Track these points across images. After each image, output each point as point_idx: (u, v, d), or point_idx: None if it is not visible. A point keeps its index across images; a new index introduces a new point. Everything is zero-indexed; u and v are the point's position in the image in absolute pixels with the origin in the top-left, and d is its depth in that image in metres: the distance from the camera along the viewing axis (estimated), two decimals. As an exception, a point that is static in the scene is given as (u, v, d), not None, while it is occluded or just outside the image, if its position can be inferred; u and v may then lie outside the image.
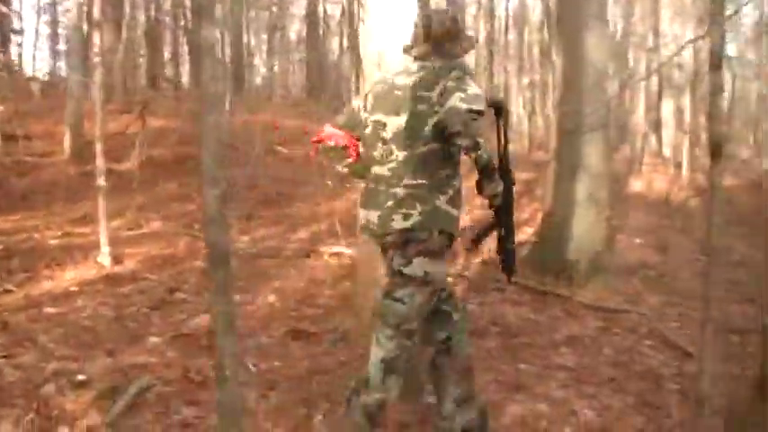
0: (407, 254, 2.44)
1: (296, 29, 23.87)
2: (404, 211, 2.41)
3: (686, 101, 14.85)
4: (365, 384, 2.53)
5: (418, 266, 2.44)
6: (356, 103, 2.76)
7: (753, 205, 9.39)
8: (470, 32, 3.15)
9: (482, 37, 17.28)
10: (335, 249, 6.20)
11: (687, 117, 14.11)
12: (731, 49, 19.67)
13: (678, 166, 13.96)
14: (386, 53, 3.21)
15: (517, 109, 14.57)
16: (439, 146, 2.41)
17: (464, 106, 2.29)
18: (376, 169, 2.55)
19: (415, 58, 2.59)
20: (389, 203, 2.45)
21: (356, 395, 2.55)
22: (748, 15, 18.23)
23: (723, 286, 4.01)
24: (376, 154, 2.55)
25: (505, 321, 4.62)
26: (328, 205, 7.50)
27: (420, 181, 2.41)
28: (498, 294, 5.24)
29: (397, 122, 2.48)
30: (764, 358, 2.61)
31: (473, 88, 2.38)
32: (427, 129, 2.40)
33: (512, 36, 18.83)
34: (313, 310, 4.77)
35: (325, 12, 19.94)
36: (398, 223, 2.42)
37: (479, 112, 2.32)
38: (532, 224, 7.59)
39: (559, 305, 5.05)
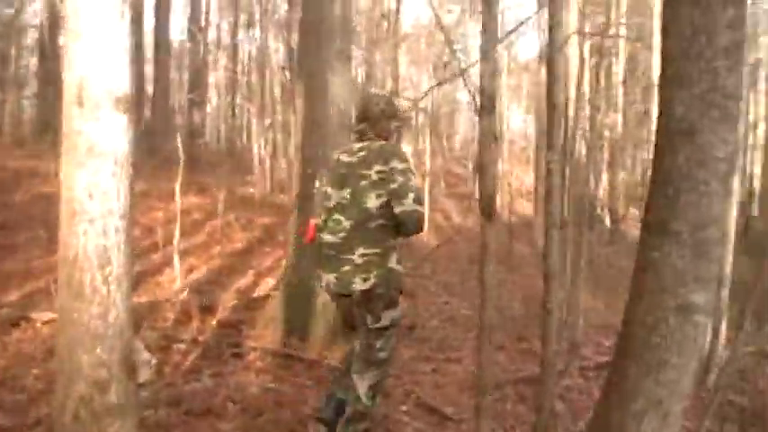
0: (376, 312, 3.04)
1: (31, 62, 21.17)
2: (362, 275, 2.94)
3: (426, 143, 15.57)
4: (360, 418, 3.15)
5: (386, 318, 3.08)
6: (317, 182, 3.39)
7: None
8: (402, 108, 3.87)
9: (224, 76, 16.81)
10: (50, 316, 4.85)
11: (427, 160, 14.78)
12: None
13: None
14: (87, 80, 2.53)
15: (259, 151, 14.20)
16: (386, 221, 2.97)
17: (408, 209, 2.91)
18: (328, 237, 3.06)
19: (357, 138, 3.17)
20: (347, 268, 2.97)
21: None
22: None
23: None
24: (326, 223, 3.09)
25: (247, 395, 3.94)
26: (46, 260, 6.17)
27: (374, 250, 2.95)
28: (238, 362, 4.53)
29: (340, 195, 3.04)
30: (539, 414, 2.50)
31: (412, 181, 2.97)
32: (371, 203, 2.95)
33: (254, 77, 18.52)
34: (13, 396, 3.69)
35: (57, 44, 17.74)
36: (359, 285, 2.95)
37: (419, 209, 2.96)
38: (274, 275, 7.01)
39: (306, 371, 4.47)
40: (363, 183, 2.96)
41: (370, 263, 2.95)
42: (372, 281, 2.94)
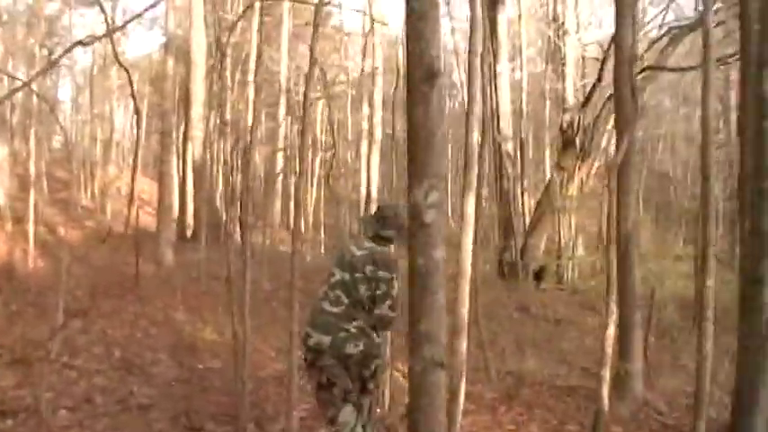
0: (369, 366, 3.72)
1: None
2: (354, 342, 3.64)
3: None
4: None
5: (376, 366, 3.77)
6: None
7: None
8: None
9: None
10: None
11: (31, 164, 13.42)
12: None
13: (20, 220, 12.86)
14: None
15: None
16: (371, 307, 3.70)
17: (383, 313, 3.66)
18: (327, 306, 3.72)
19: (368, 237, 3.88)
20: (342, 335, 3.63)
21: None
22: None
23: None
24: (328, 295, 3.75)
25: None
26: None
27: (364, 324, 3.68)
28: None
29: (340, 275, 3.75)
30: None
31: (393, 289, 3.69)
32: (362, 292, 3.68)
33: None
34: None
35: None
36: (351, 349, 3.63)
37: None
38: None
39: None
40: (358, 275, 3.68)
41: (359, 334, 3.66)
42: (361, 347, 3.64)
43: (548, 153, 21.30)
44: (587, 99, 13.67)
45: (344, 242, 4.47)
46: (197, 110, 15.12)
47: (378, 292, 3.64)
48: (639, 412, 5.20)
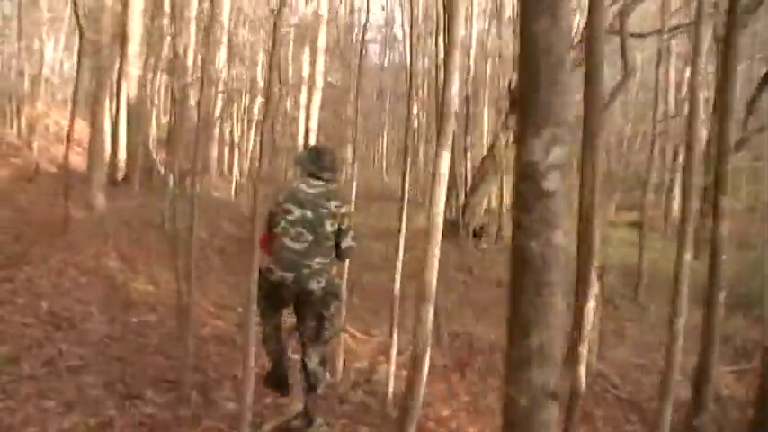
0: (328, 304, 3.92)
1: None
2: (317, 278, 3.82)
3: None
4: (316, 384, 3.96)
5: (335, 309, 4.04)
6: (271, 203, 4.08)
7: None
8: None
9: None
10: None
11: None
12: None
13: None
14: None
15: None
16: (333, 243, 3.94)
17: (349, 244, 4.00)
18: (288, 243, 3.85)
19: (310, 175, 4.03)
20: (306, 271, 3.80)
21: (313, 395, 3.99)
22: None
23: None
24: (288, 231, 3.87)
25: None
26: None
27: (325, 260, 3.89)
28: None
29: (300, 212, 3.87)
30: None
31: (351, 222, 4.04)
32: (328, 228, 3.87)
33: None
34: None
35: None
36: (314, 285, 3.81)
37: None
38: None
39: None
40: (323, 211, 3.86)
41: (322, 270, 3.84)
42: (323, 284, 3.83)
43: (486, 112, 21.28)
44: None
45: (288, 184, 4.44)
46: (134, 47, 14.22)
47: (342, 226, 3.90)
48: (594, 384, 5.15)
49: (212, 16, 9.67)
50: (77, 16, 5.22)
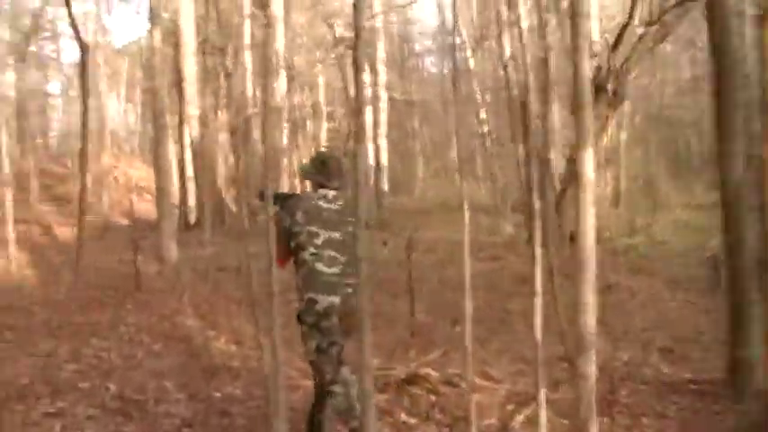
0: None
1: None
2: (355, 297, 3.32)
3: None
4: (351, 415, 3.65)
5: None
6: (286, 218, 3.74)
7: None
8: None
9: None
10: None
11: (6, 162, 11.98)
12: None
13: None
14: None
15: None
16: None
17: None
18: (321, 268, 3.64)
19: (320, 186, 3.81)
20: (349, 291, 3.62)
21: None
22: None
23: None
24: (320, 257, 3.65)
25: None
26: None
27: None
28: None
29: (328, 235, 3.68)
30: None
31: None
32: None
33: None
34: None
35: None
36: (355, 304, 3.33)
37: None
38: None
39: None
40: (351, 229, 3.64)
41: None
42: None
43: (555, 108, 19.97)
44: (617, 41, 12.37)
45: (301, 199, 3.92)
46: (190, 88, 13.82)
47: None
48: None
49: (267, 43, 8.98)
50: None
